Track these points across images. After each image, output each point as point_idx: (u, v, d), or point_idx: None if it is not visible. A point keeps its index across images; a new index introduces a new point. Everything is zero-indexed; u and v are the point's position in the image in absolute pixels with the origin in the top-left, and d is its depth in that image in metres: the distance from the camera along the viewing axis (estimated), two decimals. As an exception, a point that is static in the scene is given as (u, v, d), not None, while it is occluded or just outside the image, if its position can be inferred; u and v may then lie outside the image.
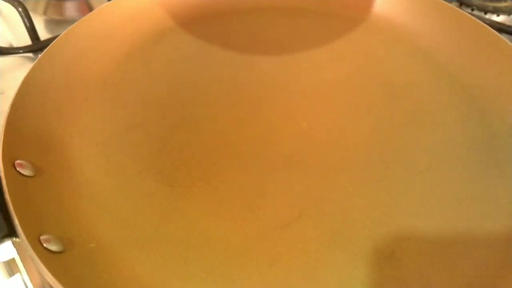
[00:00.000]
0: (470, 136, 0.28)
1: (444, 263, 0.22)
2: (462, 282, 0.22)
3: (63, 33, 0.31)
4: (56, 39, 0.30)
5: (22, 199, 0.22)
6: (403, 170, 0.26)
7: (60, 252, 0.21)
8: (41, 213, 0.23)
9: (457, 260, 0.23)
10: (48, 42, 0.32)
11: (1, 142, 0.23)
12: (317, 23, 0.36)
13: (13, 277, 0.25)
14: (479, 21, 0.33)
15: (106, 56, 0.32)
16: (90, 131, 0.28)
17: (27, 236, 0.20)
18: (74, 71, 0.30)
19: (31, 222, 0.21)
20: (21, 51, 0.35)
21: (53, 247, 0.21)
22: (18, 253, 0.23)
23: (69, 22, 0.34)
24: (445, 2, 0.34)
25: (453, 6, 0.34)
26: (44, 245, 0.21)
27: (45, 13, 0.40)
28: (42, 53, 0.29)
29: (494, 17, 0.39)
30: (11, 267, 0.25)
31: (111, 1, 0.34)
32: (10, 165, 0.23)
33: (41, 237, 0.21)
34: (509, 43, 0.31)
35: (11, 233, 0.21)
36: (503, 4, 0.40)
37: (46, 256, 0.20)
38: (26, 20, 0.35)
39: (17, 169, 0.23)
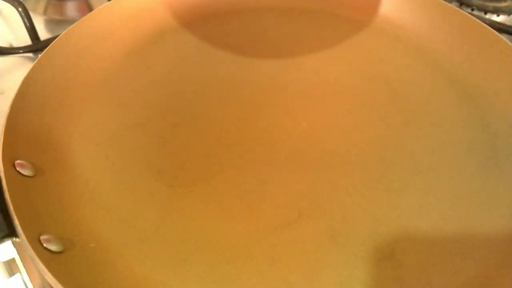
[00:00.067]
0: (470, 136, 0.28)
1: (444, 263, 0.23)
2: (462, 282, 0.22)
3: (63, 33, 0.31)
4: (56, 39, 0.30)
5: (22, 199, 0.22)
6: (403, 170, 0.26)
7: (60, 252, 0.21)
8: (41, 213, 0.23)
9: (457, 260, 0.23)
10: (48, 42, 0.32)
11: (1, 142, 0.23)
12: (317, 23, 0.36)
13: (13, 277, 0.25)
14: (479, 21, 0.33)
15: (106, 56, 0.32)
16: (90, 131, 0.28)
17: (27, 236, 0.20)
18: (74, 71, 0.30)
19: (31, 222, 0.21)
20: (21, 51, 0.35)
21: (53, 247, 0.21)
22: (18, 253, 0.23)
23: (69, 22, 0.34)
24: (445, 2, 0.34)
25: (453, 6, 0.34)
26: (44, 245, 0.21)
27: (45, 13, 0.40)
28: (42, 53, 0.29)
29: (494, 17, 0.39)
30: (11, 267, 0.25)
31: (111, 1, 0.34)
32: (10, 165, 0.23)
33: (41, 237, 0.21)
34: (509, 43, 0.31)
35: (11, 233, 0.21)
36: (503, 4, 0.40)
37: (46, 256, 0.20)
38: (26, 20, 0.35)
39: (17, 169, 0.23)
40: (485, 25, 0.32)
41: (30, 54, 0.35)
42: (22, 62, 0.35)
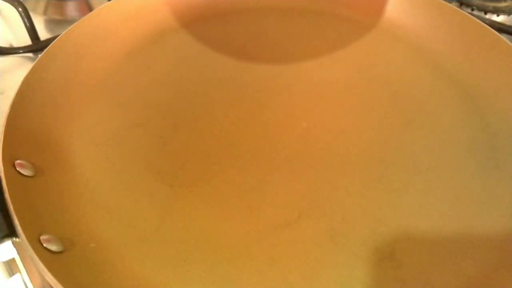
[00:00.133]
0: (470, 136, 0.28)
1: (444, 263, 0.23)
2: (461, 282, 0.22)
3: (63, 33, 0.31)
4: (56, 39, 0.30)
5: (22, 199, 0.22)
6: (403, 170, 0.26)
7: (60, 252, 0.21)
8: (41, 213, 0.23)
9: (457, 260, 0.23)
10: (48, 42, 0.32)
11: (1, 142, 0.23)
12: (317, 24, 0.36)
13: (13, 277, 0.25)
14: (479, 21, 0.33)
15: (106, 56, 0.32)
16: (90, 131, 0.28)
17: (27, 236, 0.20)
18: (74, 71, 0.30)
19: (31, 222, 0.21)
20: (21, 51, 0.35)
21: (53, 247, 0.21)
22: (18, 253, 0.24)
23: (69, 22, 0.34)
24: (445, 2, 0.34)
25: (453, 6, 0.34)
26: (44, 245, 0.21)
27: (45, 13, 0.40)
28: (42, 53, 0.29)
29: (494, 17, 0.39)
30: (11, 267, 0.25)
31: (111, 1, 0.34)
32: (10, 165, 0.23)
33: (41, 237, 0.21)
34: (509, 43, 0.31)
35: (11, 233, 0.21)
36: (503, 4, 0.40)
37: (46, 256, 0.20)
38: (26, 20, 0.35)
39: (17, 169, 0.24)
40: (485, 25, 0.32)
41: (30, 54, 0.35)
42: (22, 62, 0.35)
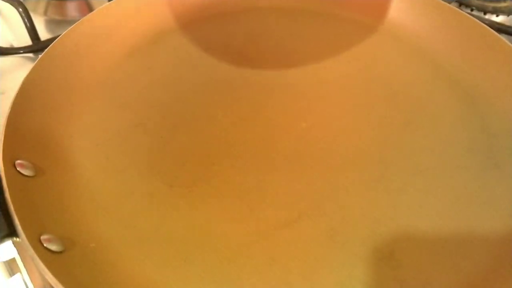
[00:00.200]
0: (470, 136, 0.28)
1: (444, 263, 0.23)
2: (461, 282, 0.22)
3: (64, 33, 0.31)
4: (57, 39, 0.30)
5: (22, 199, 0.22)
6: (402, 170, 0.26)
7: (61, 252, 0.21)
8: (41, 213, 0.23)
9: (457, 260, 0.23)
10: (48, 42, 0.32)
11: (2, 142, 0.23)
12: (317, 24, 0.36)
13: (13, 277, 0.25)
14: (478, 21, 0.33)
15: (106, 56, 0.32)
16: (90, 131, 0.28)
17: (27, 236, 0.20)
18: (74, 71, 0.30)
19: (31, 222, 0.21)
20: (22, 51, 0.35)
21: (53, 247, 0.21)
22: (18, 253, 0.24)
23: (69, 22, 0.34)
24: (445, 3, 0.34)
25: (453, 6, 0.34)
26: (45, 245, 0.21)
27: (45, 13, 0.40)
28: (43, 54, 0.29)
29: (494, 18, 0.39)
30: (11, 267, 0.25)
31: (111, 2, 0.34)
32: (10, 165, 0.23)
33: (42, 237, 0.21)
34: (509, 43, 0.31)
35: (11, 233, 0.21)
36: (502, 5, 0.40)
37: (47, 256, 0.20)
38: (26, 20, 0.35)
39: (18, 169, 0.24)
40: (484, 25, 0.32)
41: (31, 55, 0.35)
42: (22, 63, 0.35)
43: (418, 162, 0.27)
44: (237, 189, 0.25)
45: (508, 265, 0.22)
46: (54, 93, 0.29)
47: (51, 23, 0.40)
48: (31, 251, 0.20)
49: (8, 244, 0.22)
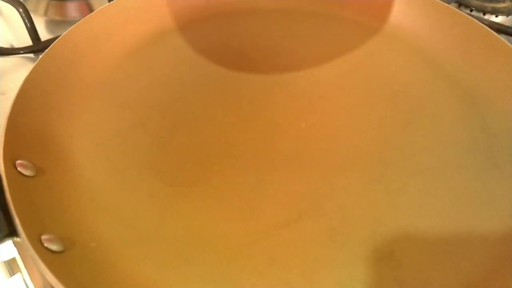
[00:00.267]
0: (470, 136, 0.28)
1: (444, 263, 0.23)
2: (461, 282, 0.22)
3: (64, 33, 0.31)
4: (57, 39, 0.30)
5: (23, 199, 0.22)
6: (402, 170, 0.26)
7: (61, 252, 0.21)
8: (41, 213, 0.23)
9: (457, 259, 0.23)
10: (48, 42, 0.32)
11: (2, 142, 0.23)
12: (317, 25, 0.36)
13: (13, 276, 0.25)
14: (478, 22, 0.33)
15: (106, 56, 0.32)
16: (90, 131, 0.28)
17: (27, 235, 0.20)
18: (74, 72, 0.30)
19: (32, 221, 0.21)
20: (22, 52, 0.35)
21: (53, 247, 0.21)
22: (18, 253, 0.24)
23: (69, 22, 0.34)
24: (444, 3, 0.34)
25: (452, 7, 0.34)
26: (45, 244, 0.21)
27: (45, 13, 0.40)
28: (43, 54, 0.29)
29: (493, 18, 0.40)
30: (11, 267, 0.25)
31: (111, 2, 0.34)
32: (11, 165, 0.23)
33: (42, 237, 0.21)
34: (508, 43, 0.31)
35: (11, 232, 0.21)
36: (501, 5, 0.40)
37: (47, 255, 0.20)
38: (26, 20, 0.35)
39: (18, 169, 0.24)
40: (484, 25, 0.32)
41: (31, 55, 0.36)
42: (23, 63, 0.35)
43: (418, 162, 0.27)
44: (237, 189, 0.25)
45: (508, 265, 0.22)
46: (54, 93, 0.29)
47: (51, 24, 0.40)
48: (31, 251, 0.20)
49: (9, 244, 0.22)
